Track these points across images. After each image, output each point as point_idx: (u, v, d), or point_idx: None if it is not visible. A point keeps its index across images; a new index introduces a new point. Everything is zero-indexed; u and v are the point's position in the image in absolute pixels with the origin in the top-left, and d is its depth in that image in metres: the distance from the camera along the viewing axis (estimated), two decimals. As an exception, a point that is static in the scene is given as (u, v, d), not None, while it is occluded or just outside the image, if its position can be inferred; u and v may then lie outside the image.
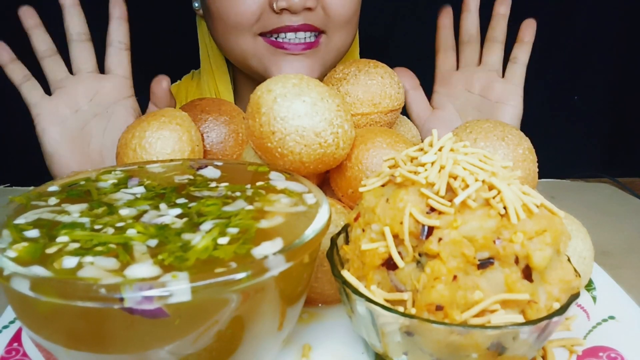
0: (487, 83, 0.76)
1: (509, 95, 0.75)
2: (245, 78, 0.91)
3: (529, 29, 0.76)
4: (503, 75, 0.76)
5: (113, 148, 0.64)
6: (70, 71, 0.72)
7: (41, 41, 0.70)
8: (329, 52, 0.81)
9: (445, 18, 0.80)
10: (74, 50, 0.71)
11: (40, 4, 0.72)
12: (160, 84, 0.70)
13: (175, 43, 1.01)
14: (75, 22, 0.71)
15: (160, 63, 1.02)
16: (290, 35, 0.77)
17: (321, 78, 0.83)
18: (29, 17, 0.69)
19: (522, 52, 0.76)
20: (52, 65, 0.71)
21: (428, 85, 0.93)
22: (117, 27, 0.73)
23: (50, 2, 0.71)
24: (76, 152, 0.69)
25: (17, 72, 0.69)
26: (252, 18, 0.76)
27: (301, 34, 0.77)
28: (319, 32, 0.78)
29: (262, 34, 0.78)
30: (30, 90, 0.69)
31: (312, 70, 0.80)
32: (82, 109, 0.70)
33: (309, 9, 0.75)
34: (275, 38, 0.78)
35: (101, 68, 0.74)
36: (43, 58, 0.71)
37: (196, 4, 0.88)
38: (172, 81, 1.00)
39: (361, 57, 0.93)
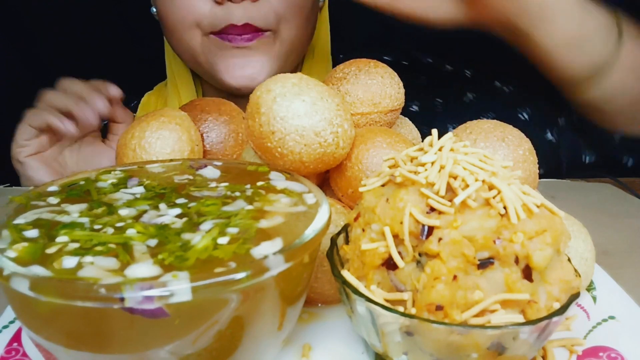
0: None
1: None
2: (212, 89, 0.90)
3: None
4: None
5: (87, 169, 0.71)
6: None
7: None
8: (279, 44, 0.79)
9: None
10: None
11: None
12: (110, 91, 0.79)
13: (158, 52, 1.02)
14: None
15: (144, 73, 1.04)
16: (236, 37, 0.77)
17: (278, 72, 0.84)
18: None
19: None
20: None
21: (426, 84, 0.93)
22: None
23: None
24: (54, 175, 0.79)
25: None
26: (193, 13, 0.76)
27: (246, 37, 0.77)
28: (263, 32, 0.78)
29: (211, 34, 0.78)
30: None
31: (262, 64, 0.78)
32: (56, 144, 0.81)
33: None
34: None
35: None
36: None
37: (154, 9, 0.87)
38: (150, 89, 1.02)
39: (357, 56, 0.93)
